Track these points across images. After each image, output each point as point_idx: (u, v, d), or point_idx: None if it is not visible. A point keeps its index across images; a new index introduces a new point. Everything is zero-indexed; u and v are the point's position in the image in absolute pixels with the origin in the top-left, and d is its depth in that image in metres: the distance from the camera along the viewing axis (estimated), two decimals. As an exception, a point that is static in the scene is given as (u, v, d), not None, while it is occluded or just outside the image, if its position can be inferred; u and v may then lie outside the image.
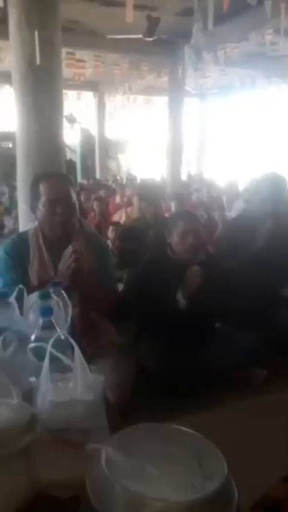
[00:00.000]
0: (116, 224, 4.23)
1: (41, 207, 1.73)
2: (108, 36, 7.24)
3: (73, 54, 8.11)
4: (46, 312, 0.99)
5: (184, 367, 2.01)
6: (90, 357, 1.46)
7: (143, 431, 0.83)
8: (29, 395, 0.88)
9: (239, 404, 1.94)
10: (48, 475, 0.85)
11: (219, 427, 1.27)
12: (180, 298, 2.07)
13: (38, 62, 2.98)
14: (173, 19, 6.65)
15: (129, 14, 4.41)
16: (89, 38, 7.77)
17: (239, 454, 1.07)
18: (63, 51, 6.39)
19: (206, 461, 0.75)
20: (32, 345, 0.95)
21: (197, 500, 0.67)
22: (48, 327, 0.97)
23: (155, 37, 6.22)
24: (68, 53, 7.85)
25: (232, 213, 5.44)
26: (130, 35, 6.59)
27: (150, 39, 6.24)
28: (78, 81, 9.53)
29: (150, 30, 6.05)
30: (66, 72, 8.14)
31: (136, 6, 4.61)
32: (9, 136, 8.82)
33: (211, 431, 0.86)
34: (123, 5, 4.58)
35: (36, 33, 2.96)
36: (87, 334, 1.67)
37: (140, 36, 6.31)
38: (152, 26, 6.00)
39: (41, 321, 0.98)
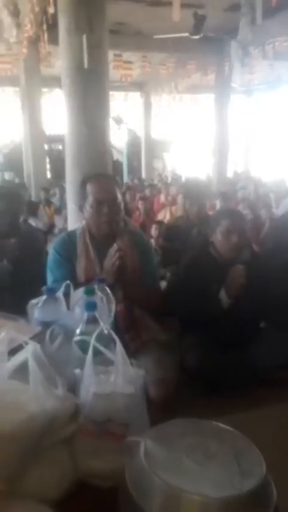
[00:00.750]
0: (159, 223, 4.26)
1: (88, 207, 1.79)
2: (155, 37, 7.27)
3: (120, 55, 8.23)
4: (90, 306, 1.03)
5: (226, 365, 1.99)
6: (133, 352, 1.50)
7: (182, 425, 0.84)
8: (73, 387, 0.92)
9: (281, 405, 1.89)
10: (90, 464, 0.88)
11: (260, 427, 1.24)
12: (223, 297, 2.05)
13: (86, 65, 3.05)
14: (220, 15, 6.57)
15: (176, 13, 4.40)
16: (136, 39, 7.85)
17: (279, 455, 1.06)
18: (111, 53, 6.51)
19: (244, 459, 0.75)
20: (77, 338, 1.00)
21: (235, 497, 0.68)
22: (93, 321, 1.01)
23: (202, 34, 6.18)
24: (115, 55, 7.98)
25: (280, 211, 5.32)
26: (176, 33, 6.58)
27: (197, 37, 6.20)
28: (125, 82, 9.67)
29: (196, 28, 6.02)
30: (114, 73, 8.29)
31: (183, 5, 4.60)
32: (60, 139, 9.12)
33: (251, 431, 0.86)
34: (169, 4, 4.59)
35: (84, 37, 3.03)
36: (130, 330, 1.71)
37: (187, 34, 6.29)
38: (199, 23, 5.97)
39: (85, 315, 1.02)
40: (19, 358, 0.84)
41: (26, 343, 0.86)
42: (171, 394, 1.56)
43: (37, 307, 1.14)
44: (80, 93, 3.16)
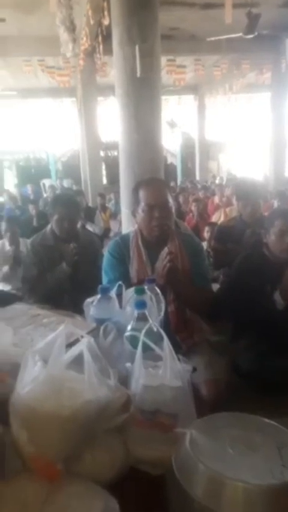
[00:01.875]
0: (212, 224, 4.24)
1: (140, 212, 1.86)
2: (208, 39, 7.26)
3: (173, 60, 8.31)
4: (140, 305, 1.10)
5: (279, 368, 1.96)
6: (185, 353, 1.54)
7: (227, 418, 0.88)
8: (124, 379, 0.99)
9: None
10: (141, 451, 0.95)
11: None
12: (278, 298, 2.03)
13: (138, 74, 3.14)
14: (275, 12, 6.43)
15: (228, 15, 4.38)
16: (189, 42, 7.89)
17: None
18: (164, 58, 6.58)
19: (287, 452, 0.77)
20: (127, 333, 1.07)
21: (277, 485, 0.71)
22: (142, 318, 1.08)
23: (256, 33, 6.07)
24: (168, 60, 8.07)
25: None
26: (230, 34, 6.52)
27: (251, 36, 6.10)
28: (179, 86, 9.73)
29: (250, 28, 5.92)
30: (167, 78, 8.38)
31: (236, 5, 4.55)
32: (115, 145, 9.40)
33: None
34: (222, 5, 4.56)
35: (137, 47, 3.12)
36: (182, 331, 1.76)
37: (240, 34, 6.21)
38: (252, 22, 5.86)
39: (136, 313, 1.09)
40: (75, 350, 0.91)
41: (82, 337, 0.95)
42: (222, 394, 1.58)
43: (92, 305, 1.23)
44: (133, 102, 3.25)
